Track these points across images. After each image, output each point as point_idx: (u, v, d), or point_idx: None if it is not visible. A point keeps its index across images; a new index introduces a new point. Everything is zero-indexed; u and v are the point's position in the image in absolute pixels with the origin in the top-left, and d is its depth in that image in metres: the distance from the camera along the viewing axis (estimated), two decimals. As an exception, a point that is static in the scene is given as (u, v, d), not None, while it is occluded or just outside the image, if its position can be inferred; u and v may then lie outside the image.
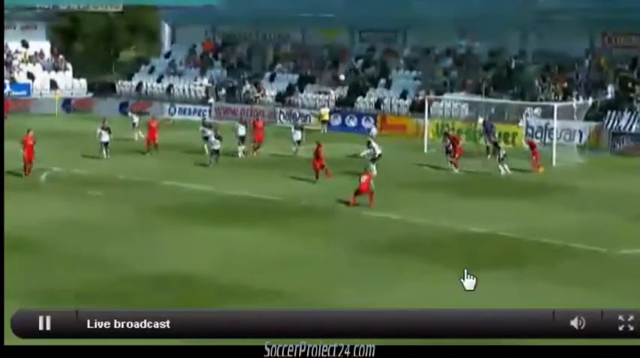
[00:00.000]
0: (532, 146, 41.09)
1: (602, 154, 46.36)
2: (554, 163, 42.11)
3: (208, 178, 37.12)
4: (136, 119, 50.75)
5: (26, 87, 67.19)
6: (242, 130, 43.98)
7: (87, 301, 20.41)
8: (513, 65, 56.19)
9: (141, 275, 22.69)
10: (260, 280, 22.22)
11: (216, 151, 39.96)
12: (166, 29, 73.76)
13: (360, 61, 62.36)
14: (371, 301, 20.49)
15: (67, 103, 65.74)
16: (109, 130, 42.30)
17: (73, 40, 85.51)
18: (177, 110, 63.33)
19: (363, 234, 27.76)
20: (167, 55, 71.45)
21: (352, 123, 56.36)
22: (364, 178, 31.88)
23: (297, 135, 44.16)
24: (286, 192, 34.21)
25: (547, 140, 46.35)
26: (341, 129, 55.05)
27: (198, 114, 62.14)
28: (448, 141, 40.88)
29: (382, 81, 59.68)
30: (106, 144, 41.97)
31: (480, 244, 26.49)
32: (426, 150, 45.64)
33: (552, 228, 28.45)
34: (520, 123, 50.30)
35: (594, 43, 55.32)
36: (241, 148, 43.25)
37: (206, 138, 42.62)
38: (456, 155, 39.93)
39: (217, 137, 40.31)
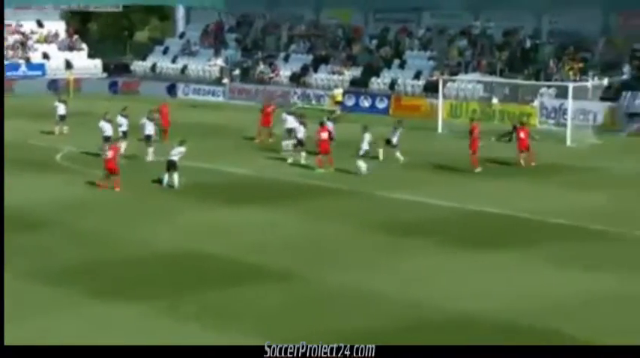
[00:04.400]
0: (523, 133, 36.54)
1: (618, 135, 46.11)
2: (568, 143, 41.92)
3: (220, 159, 37.17)
4: (62, 109, 43.02)
5: (41, 67, 67.33)
6: None
7: (96, 279, 20.55)
8: (528, 45, 55.91)
9: (158, 254, 22.82)
10: (271, 261, 22.31)
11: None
12: (180, 9, 73.72)
13: (375, 41, 62.19)
14: (381, 280, 20.57)
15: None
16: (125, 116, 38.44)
17: (87, 20, 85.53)
18: (192, 90, 63.36)
19: (373, 213, 27.82)
20: (181, 36, 71.47)
21: (366, 103, 56.26)
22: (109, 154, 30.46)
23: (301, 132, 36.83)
24: (300, 172, 34.29)
25: (562, 120, 46.15)
26: (355, 110, 54.94)
27: (212, 95, 62.19)
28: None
29: (396, 61, 59.52)
30: (124, 133, 37.83)
31: (491, 224, 26.53)
32: (439, 131, 45.51)
33: (567, 208, 28.37)
34: (534, 104, 50.10)
35: (610, 23, 54.94)
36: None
37: (289, 131, 38.09)
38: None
39: (302, 123, 36.69)
